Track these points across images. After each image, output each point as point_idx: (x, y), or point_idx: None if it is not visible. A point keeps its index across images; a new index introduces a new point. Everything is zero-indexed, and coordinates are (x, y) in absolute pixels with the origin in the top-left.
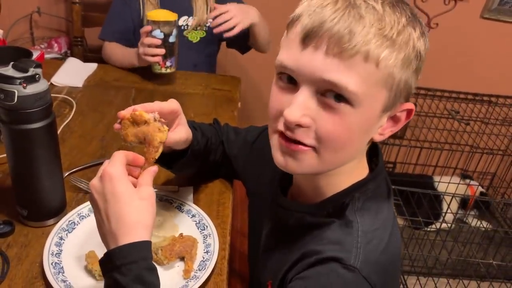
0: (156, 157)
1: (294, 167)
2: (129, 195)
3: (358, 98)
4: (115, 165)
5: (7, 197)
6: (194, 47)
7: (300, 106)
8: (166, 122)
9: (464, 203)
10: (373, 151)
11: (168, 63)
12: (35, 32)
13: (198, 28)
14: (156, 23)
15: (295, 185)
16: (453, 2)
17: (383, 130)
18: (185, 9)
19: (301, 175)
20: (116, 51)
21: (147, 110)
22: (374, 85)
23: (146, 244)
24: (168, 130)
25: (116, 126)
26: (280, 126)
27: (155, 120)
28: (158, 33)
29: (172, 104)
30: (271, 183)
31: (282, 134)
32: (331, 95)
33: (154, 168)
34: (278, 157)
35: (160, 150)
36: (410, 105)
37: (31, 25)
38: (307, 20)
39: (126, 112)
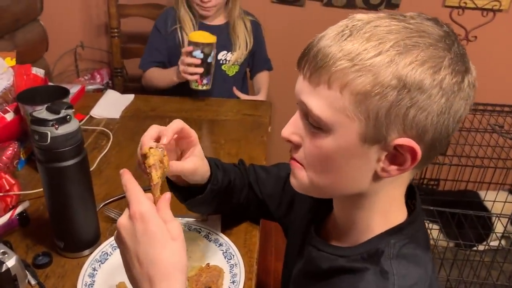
0: (154, 182)
1: (293, 182)
2: (163, 236)
3: (324, 123)
4: (144, 202)
5: (46, 229)
6: (230, 80)
7: (291, 125)
8: (161, 149)
9: None
10: (410, 194)
11: (204, 81)
12: (79, 64)
13: (236, 63)
14: (198, 44)
15: (332, 220)
16: (491, 13)
17: (385, 166)
18: (224, 44)
19: (336, 205)
20: (155, 74)
21: (173, 135)
22: (340, 112)
23: None
24: (181, 158)
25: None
26: None
27: (150, 148)
28: (198, 53)
29: (192, 133)
30: (305, 220)
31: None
32: (310, 118)
33: (167, 196)
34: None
35: (154, 173)
36: (407, 141)
37: (75, 58)
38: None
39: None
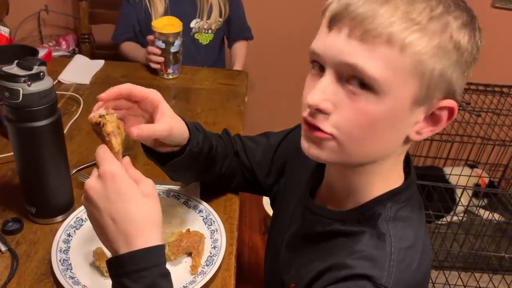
0: (116, 149)
1: (316, 153)
2: (135, 193)
3: (380, 85)
4: (112, 162)
5: (16, 194)
6: (203, 48)
7: (321, 90)
8: (114, 114)
9: (476, 192)
10: (405, 161)
11: (170, 71)
12: (43, 30)
13: (210, 31)
14: (160, 34)
15: (325, 184)
16: None
17: (420, 128)
18: (196, 12)
19: (334, 170)
20: (129, 50)
21: (114, 96)
22: (399, 72)
23: (160, 249)
24: (153, 122)
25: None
26: (305, 113)
27: (102, 116)
28: (160, 43)
29: (150, 92)
30: (299, 183)
31: (306, 121)
32: (355, 81)
33: (127, 160)
34: (303, 143)
35: (114, 140)
36: (450, 103)
37: (39, 23)
38: (334, 5)
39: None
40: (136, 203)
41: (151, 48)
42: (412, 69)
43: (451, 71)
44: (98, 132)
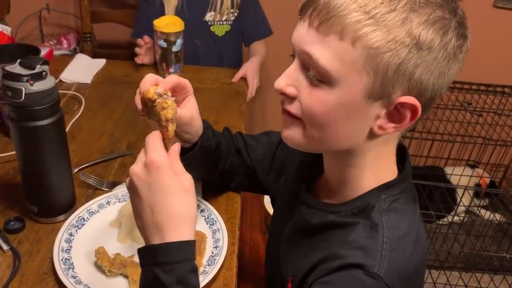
0: (170, 135)
1: (286, 136)
2: (175, 187)
3: (330, 76)
4: (160, 152)
5: (18, 193)
6: (219, 40)
7: (286, 76)
8: (173, 98)
9: (477, 192)
10: (402, 157)
11: (171, 70)
12: (45, 29)
13: (224, 22)
14: (162, 34)
15: (323, 179)
16: None
17: (382, 124)
18: (211, 4)
19: (327, 162)
20: None
21: (168, 88)
22: (350, 65)
23: (192, 244)
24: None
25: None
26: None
27: (159, 96)
28: (162, 42)
29: (187, 83)
30: (297, 180)
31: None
32: (313, 70)
33: (177, 148)
34: (281, 129)
35: (171, 127)
36: (410, 99)
37: (40, 22)
38: None
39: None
40: (175, 197)
41: (136, 49)
42: (364, 62)
43: (413, 68)
44: (149, 108)
